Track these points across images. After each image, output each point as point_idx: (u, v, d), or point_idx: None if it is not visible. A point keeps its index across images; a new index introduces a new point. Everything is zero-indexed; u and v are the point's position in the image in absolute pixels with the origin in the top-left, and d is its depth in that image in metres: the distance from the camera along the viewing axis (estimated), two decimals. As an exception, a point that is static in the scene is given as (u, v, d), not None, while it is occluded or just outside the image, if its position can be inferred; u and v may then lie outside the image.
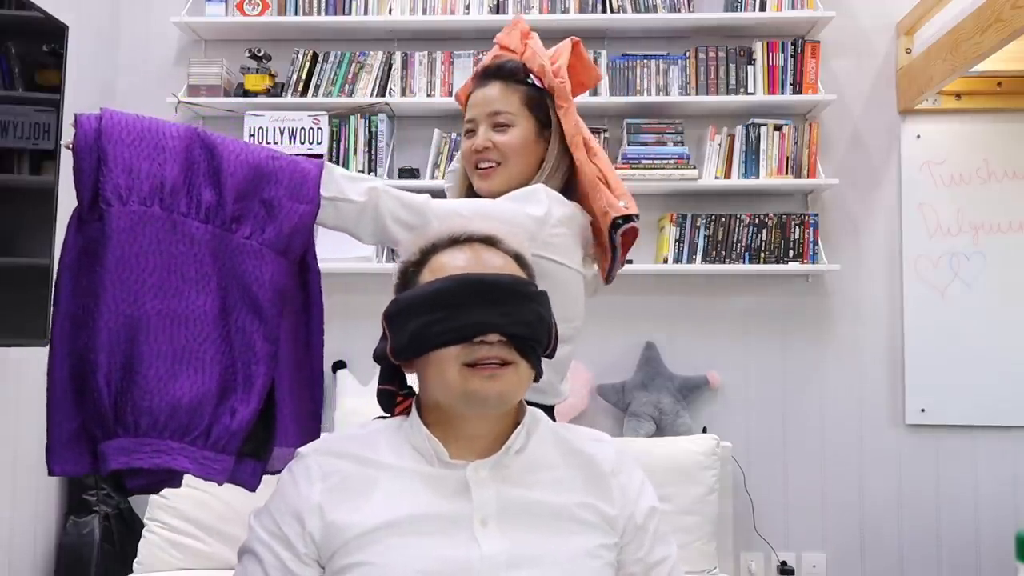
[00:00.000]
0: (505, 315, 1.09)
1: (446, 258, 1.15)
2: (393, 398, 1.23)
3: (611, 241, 1.62)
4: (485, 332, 1.09)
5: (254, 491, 1.35)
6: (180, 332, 1.22)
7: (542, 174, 1.63)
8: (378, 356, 1.18)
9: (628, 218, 1.61)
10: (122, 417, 1.19)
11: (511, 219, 1.44)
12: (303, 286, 1.38)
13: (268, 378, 1.27)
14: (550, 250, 1.51)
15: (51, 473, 1.22)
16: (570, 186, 1.66)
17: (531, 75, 1.69)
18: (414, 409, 1.18)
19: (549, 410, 1.57)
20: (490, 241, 1.18)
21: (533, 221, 1.49)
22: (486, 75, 1.69)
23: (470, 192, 1.70)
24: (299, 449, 1.16)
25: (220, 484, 1.28)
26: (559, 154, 1.65)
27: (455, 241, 1.17)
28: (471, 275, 1.11)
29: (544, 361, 1.17)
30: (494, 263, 1.15)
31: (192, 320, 1.23)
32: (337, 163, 3.14)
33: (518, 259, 1.19)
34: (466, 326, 1.09)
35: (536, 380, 1.16)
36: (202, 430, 1.22)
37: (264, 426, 1.31)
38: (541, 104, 1.67)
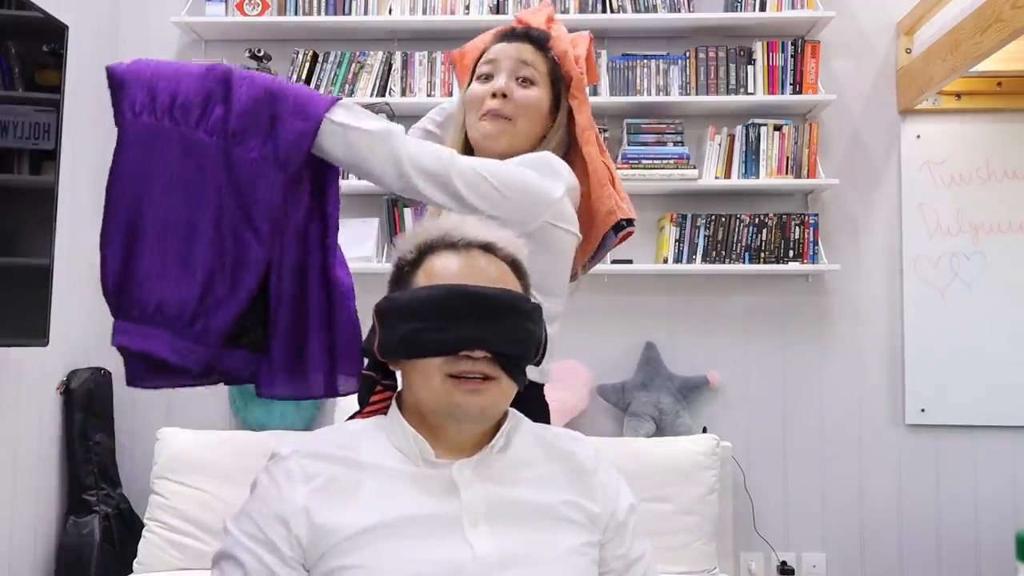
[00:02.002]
0: (493, 331, 1.09)
1: (441, 262, 1.14)
2: (373, 388, 1.22)
3: (603, 240, 1.61)
4: (471, 347, 1.08)
5: (246, 382, 1.40)
6: (175, 235, 1.32)
7: (546, 148, 1.58)
8: (364, 349, 1.18)
9: (630, 221, 1.59)
10: (122, 304, 1.32)
11: (536, 193, 1.42)
12: (321, 213, 1.41)
13: (254, 284, 1.33)
14: (560, 218, 1.48)
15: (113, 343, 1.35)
16: None
17: (552, 52, 1.62)
18: (394, 407, 1.18)
19: (539, 388, 1.52)
20: (488, 247, 1.16)
21: (555, 198, 1.45)
22: (515, 34, 1.61)
23: (466, 150, 1.60)
24: (278, 450, 1.14)
25: (199, 372, 1.34)
26: (560, 141, 1.61)
27: (452, 244, 1.16)
28: (463, 288, 1.10)
29: None
30: (489, 273, 1.14)
31: (187, 225, 1.32)
32: (337, 163, 3.14)
33: (514, 266, 1.18)
34: (453, 339, 1.08)
35: (522, 389, 1.15)
36: (184, 322, 1.31)
37: (263, 325, 1.38)
38: (559, 82, 1.61)
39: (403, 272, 1.17)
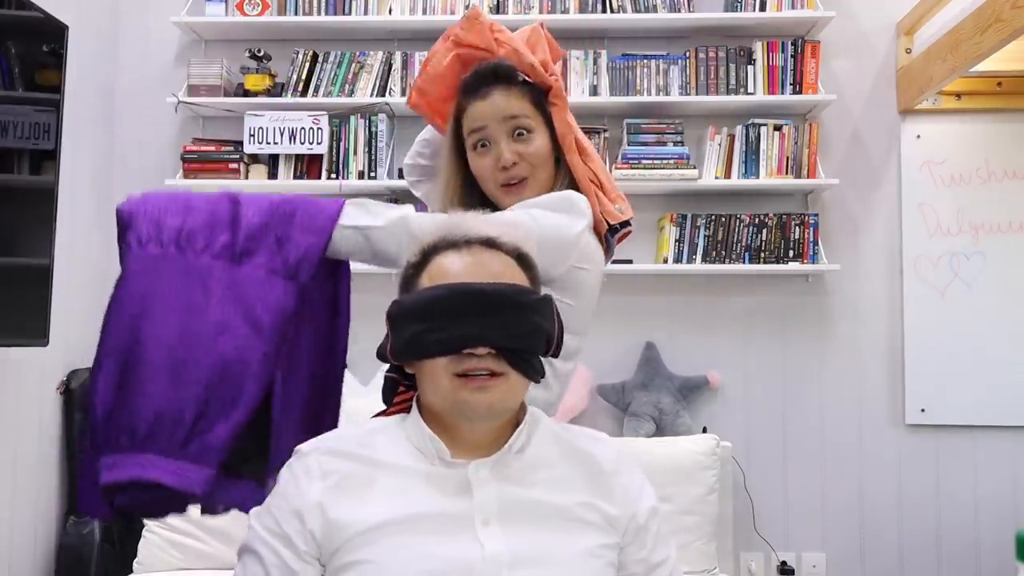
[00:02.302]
0: (495, 327, 1.09)
1: (444, 262, 1.15)
2: (395, 388, 1.24)
3: (606, 244, 1.58)
4: (473, 344, 1.08)
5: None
6: (173, 353, 1.27)
7: (564, 177, 1.52)
8: (380, 353, 1.19)
9: (625, 222, 1.55)
10: (110, 434, 1.25)
11: (555, 237, 1.38)
12: (333, 309, 1.41)
13: (257, 395, 1.29)
14: (584, 259, 1.45)
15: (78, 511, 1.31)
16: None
17: (520, 74, 1.53)
18: (415, 407, 1.19)
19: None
20: (490, 243, 1.16)
21: (576, 236, 1.41)
22: (482, 82, 1.52)
23: (471, 206, 1.51)
24: (299, 447, 1.16)
25: (200, 497, 1.27)
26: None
27: (453, 244, 1.16)
28: (463, 285, 1.10)
29: (549, 374, 1.15)
30: (493, 268, 1.13)
31: (186, 345, 1.27)
32: (337, 163, 3.15)
33: (520, 259, 1.17)
34: (455, 338, 1.08)
35: (536, 381, 1.15)
36: (179, 442, 1.24)
37: (260, 450, 1.32)
38: (543, 103, 1.53)
39: (409, 276, 1.18)
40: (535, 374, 1.13)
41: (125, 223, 1.32)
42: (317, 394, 1.41)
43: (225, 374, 1.26)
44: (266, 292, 1.30)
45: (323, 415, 1.43)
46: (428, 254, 1.17)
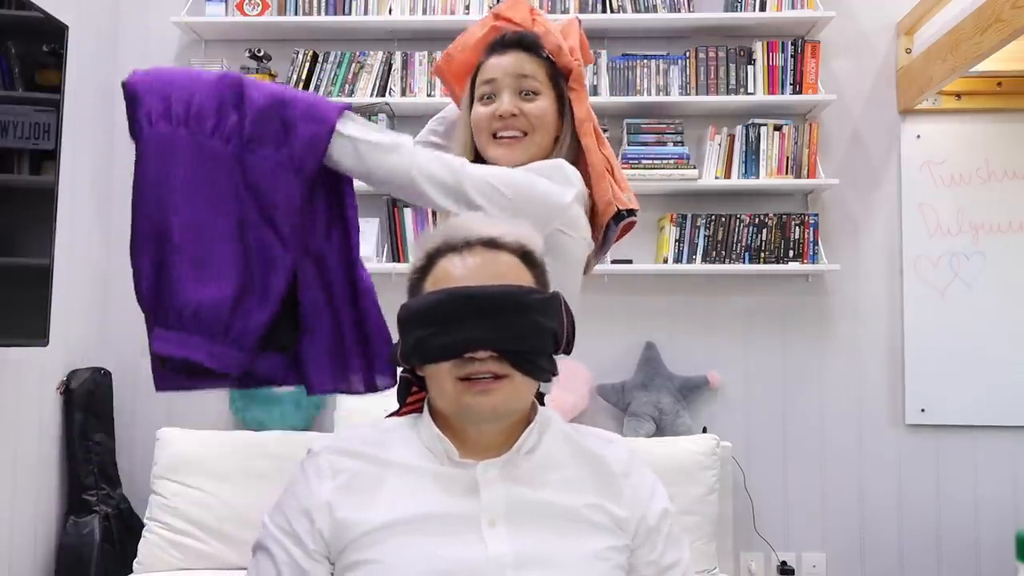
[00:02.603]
0: (497, 329, 1.09)
1: (447, 266, 1.15)
2: (409, 388, 1.25)
3: (606, 232, 1.59)
4: (474, 348, 1.09)
5: (281, 384, 1.42)
6: (202, 241, 1.33)
7: (559, 151, 1.55)
8: (392, 356, 1.21)
9: (632, 211, 1.58)
10: (159, 312, 1.33)
11: (546, 199, 1.41)
12: (340, 217, 1.43)
13: (283, 286, 1.35)
14: (571, 226, 1.47)
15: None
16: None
17: (545, 51, 1.59)
18: (426, 407, 1.19)
19: (539, 397, 1.53)
20: (492, 243, 1.15)
21: (565, 204, 1.44)
22: (505, 44, 1.57)
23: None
24: (311, 447, 1.17)
25: (237, 376, 1.35)
26: (571, 137, 1.58)
27: (455, 247, 1.16)
28: (463, 289, 1.11)
29: None
30: (495, 268, 1.13)
31: (213, 231, 1.33)
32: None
33: (524, 257, 1.17)
34: (456, 342, 1.09)
35: (546, 380, 1.15)
36: (221, 328, 1.32)
37: (291, 327, 1.39)
38: (560, 81, 1.58)
39: (415, 279, 1.18)
40: (543, 374, 1.13)
41: (132, 97, 1.35)
42: (344, 282, 1.43)
43: (250, 266, 1.34)
44: (274, 186, 1.34)
45: (355, 296, 1.44)
46: (432, 257, 1.17)
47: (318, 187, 1.38)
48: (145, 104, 1.34)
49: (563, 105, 1.58)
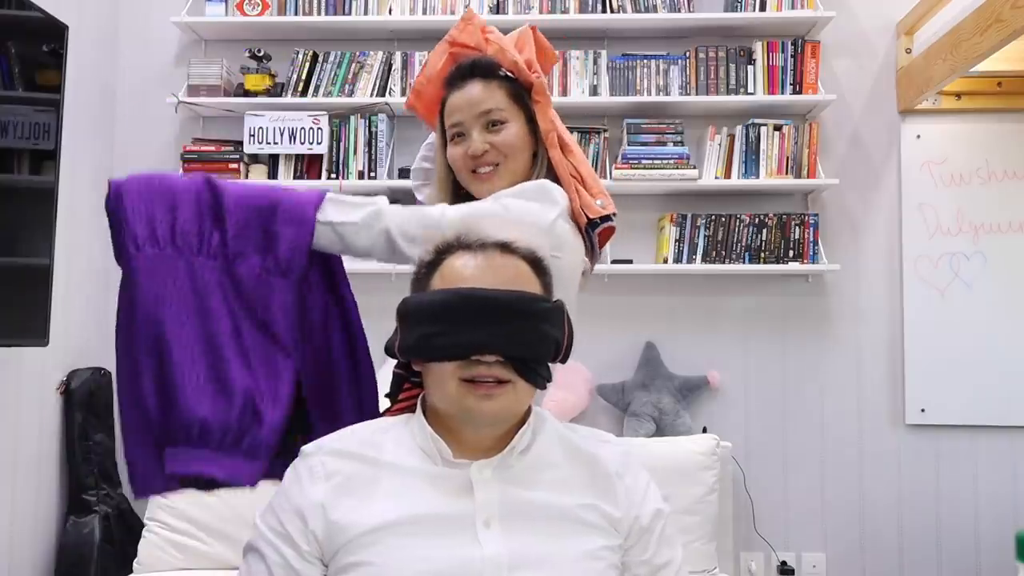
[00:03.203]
0: (504, 335, 1.09)
1: (457, 264, 1.14)
2: (401, 385, 1.24)
3: (588, 240, 1.59)
4: (482, 352, 1.08)
5: None
6: (203, 356, 1.34)
7: (540, 169, 1.57)
8: (387, 348, 1.19)
9: (606, 217, 1.57)
10: (168, 431, 1.33)
11: (527, 222, 1.40)
12: (336, 302, 1.46)
13: (291, 390, 1.36)
14: (560, 248, 1.47)
15: (136, 496, 1.38)
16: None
17: (503, 70, 1.59)
18: (419, 407, 1.19)
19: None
20: (505, 247, 1.16)
21: (550, 224, 1.45)
22: (461, 75, 1.58)
23: (457, 198, 1.62)
24: (304, 447, 1.17)
25: (253, 487, 1.35)
26: (544, 149, 1.59)
27: (468, 246, 1.16)
28: (474, 291, 1.10)
29: None
30: (506, 273, 1.13)
31: (213, 345, 1.34)
32: (337, 163, 3.15)
33: (534, 264, 1.17)
34: (464, 344, 1.09)
35: (543, 388, 1.15)
36: (231, 441, 1.32)
37: (302, 429, 1.39)
38: (524, 97, 1.59)
39: (422, 274, 1.18)
40: (542, 381, 1.14)
41: (116, 221, 1.36)
42: (347, 367, 1.46)
43: (254, 375, 1.34)
44: (266, 294, 1.36)
45: (360, 384, 1.47)
46: (442, 253, 1.17)
47: (309, 276, 1.41)
48: (130, 228, 1.35)
49: (533, 121, 1.59)
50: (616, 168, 3.06)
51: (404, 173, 3.14)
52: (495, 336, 1.08)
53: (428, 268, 1.17)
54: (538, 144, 1.59)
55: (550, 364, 1.15)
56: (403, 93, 3.15)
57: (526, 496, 1.12)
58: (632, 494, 1.18)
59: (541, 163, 1.58)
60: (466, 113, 1.56)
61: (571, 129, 3.10)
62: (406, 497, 1.10)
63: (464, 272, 1.13)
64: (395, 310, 1.17)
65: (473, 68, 1.58)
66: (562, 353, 1.16)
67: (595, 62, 3.16)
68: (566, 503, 1.13)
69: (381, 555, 1.06)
